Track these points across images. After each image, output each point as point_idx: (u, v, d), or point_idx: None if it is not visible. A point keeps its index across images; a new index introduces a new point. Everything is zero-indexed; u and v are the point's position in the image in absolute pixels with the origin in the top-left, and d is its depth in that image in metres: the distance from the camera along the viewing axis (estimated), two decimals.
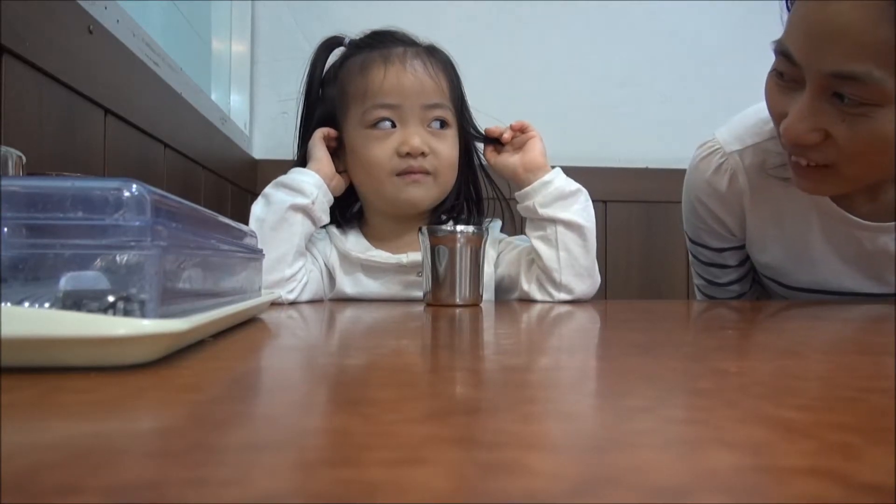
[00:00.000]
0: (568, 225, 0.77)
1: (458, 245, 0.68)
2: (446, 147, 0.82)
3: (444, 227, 0.72)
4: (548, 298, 0.78)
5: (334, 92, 0.85)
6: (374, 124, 0.80)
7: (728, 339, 0.46)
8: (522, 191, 0.81)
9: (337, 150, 0.84)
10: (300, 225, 0.76)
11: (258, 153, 1.53)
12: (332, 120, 0.85)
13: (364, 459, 0.15)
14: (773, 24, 0.72)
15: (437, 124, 0.82)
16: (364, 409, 0.21)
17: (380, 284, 0.83)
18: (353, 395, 0.24)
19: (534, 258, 0.80)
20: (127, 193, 0.28)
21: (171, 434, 0.18)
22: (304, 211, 0.76)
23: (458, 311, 0.64)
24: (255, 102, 1.56)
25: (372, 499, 0.13)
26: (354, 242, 0.85)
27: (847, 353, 0.39)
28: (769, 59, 0.70)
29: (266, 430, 0.19)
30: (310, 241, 0.82)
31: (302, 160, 0.85)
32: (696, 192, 0.88)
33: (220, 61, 1.50)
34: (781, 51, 0.66)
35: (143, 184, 0.28)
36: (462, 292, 0.69)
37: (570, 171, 0.82)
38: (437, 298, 0.70)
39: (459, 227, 0.70)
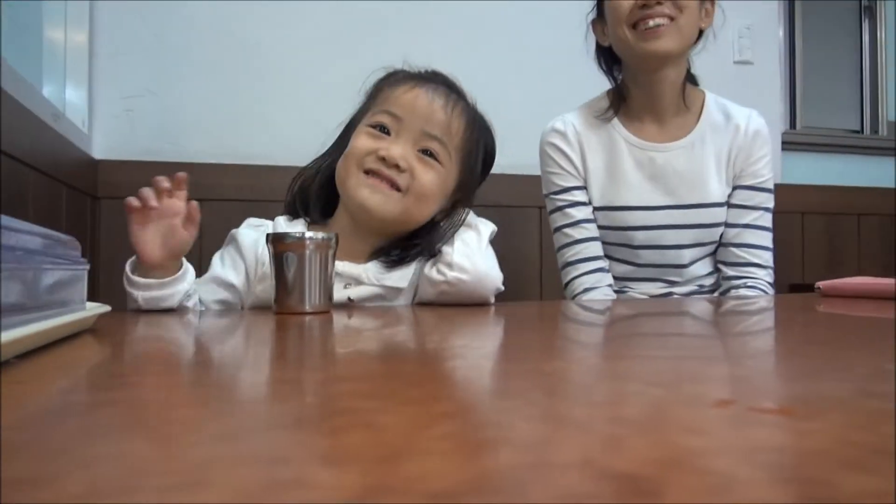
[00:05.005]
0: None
1: (307, 252, 0.67)
2: (428, 175, 0.81)
3: (291, 233, 0.71)
4: (442, 278, 0.79)
5: (369, 97, 0.88)
6: (374, 125, 0.83)
7: (556, 340, 0.49)
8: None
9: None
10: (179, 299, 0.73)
11: (99, 153, 1.42)
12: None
13: (145, 486, 0.15)
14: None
15: (427, 154, 0.82)
16: (154, 432, 0.20)
17: None
18: (144, 417, 0.23)
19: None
20: None
21: None
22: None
23: (307, 318, 0.63)
24: (94, 98, 1.45)
25: None
26: None
27: (683, 355, 0.43)
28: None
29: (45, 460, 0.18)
30: (249, 237, 0.82)
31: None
32: (546, 139, 1.16)
33: (54, 52, 1.38)
34: None
35: None
36: (311, 299, 0.68)
37: None
38: (286, 306, 0.68)
39: (308, 234, 0.69)
